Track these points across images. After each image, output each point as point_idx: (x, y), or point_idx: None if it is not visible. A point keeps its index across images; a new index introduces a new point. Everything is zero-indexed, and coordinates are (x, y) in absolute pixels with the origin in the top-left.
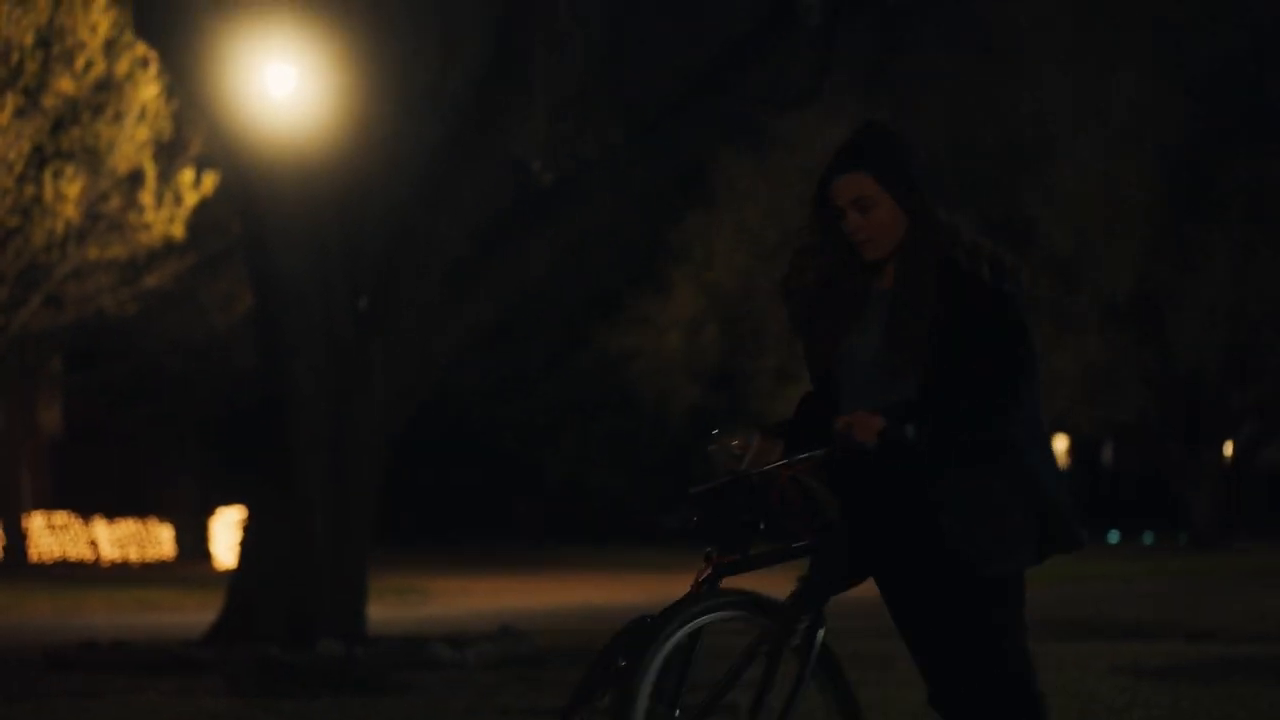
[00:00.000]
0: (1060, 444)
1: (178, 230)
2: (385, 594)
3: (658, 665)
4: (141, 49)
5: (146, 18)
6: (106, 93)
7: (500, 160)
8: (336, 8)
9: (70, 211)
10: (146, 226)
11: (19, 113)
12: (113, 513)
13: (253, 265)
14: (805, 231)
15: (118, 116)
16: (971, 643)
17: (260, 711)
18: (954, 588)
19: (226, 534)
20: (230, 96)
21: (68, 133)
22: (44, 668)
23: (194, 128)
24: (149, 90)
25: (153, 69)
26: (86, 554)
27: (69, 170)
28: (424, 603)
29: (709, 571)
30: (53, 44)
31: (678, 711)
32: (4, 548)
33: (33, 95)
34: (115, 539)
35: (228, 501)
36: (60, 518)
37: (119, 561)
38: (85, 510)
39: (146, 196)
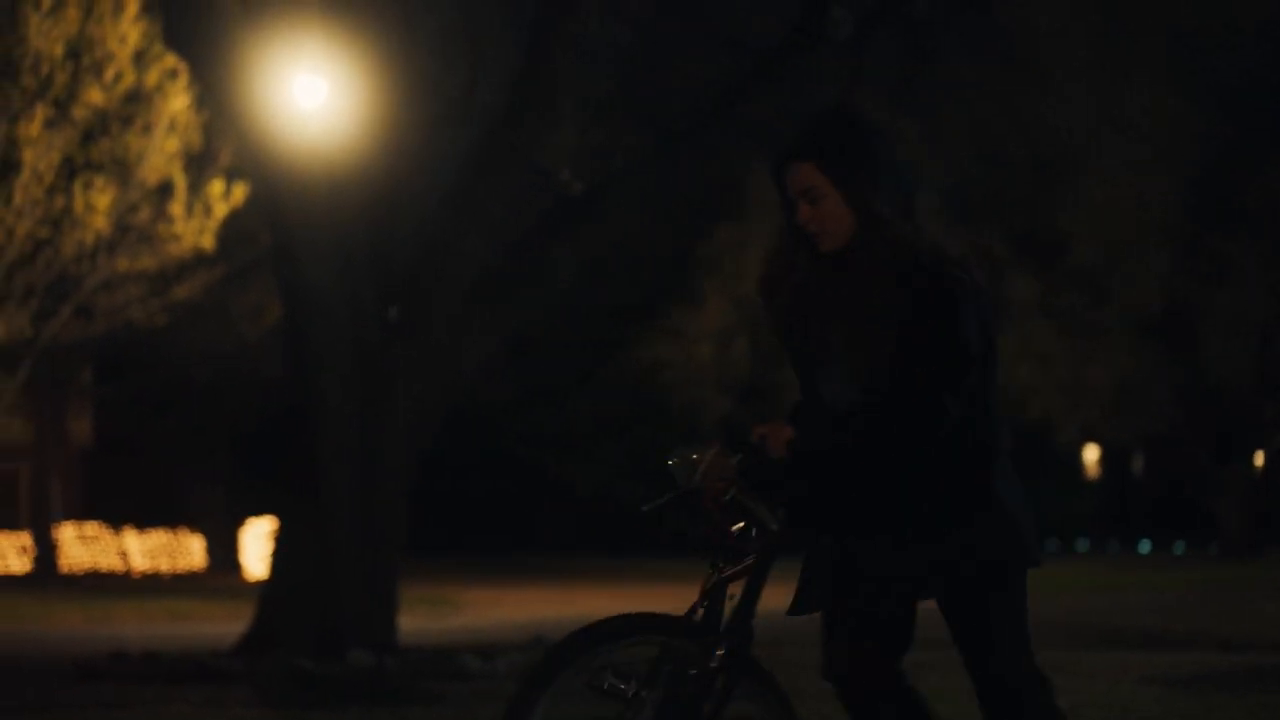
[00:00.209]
0: (1091, 455)
1: (207, 241)
2: (416, 604)
3: (547, 699)
4: (171, 60)
5: (176, 29)
6: (136, 104)
7: (529, 170)
8: (366, 19)
9: (100, 223)
10: (176, 238)
11: (49, 124)
12: (143, 523)
13: (281, 276)
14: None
15: (147, 128)
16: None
17: None
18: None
19: (256, 544)
20: (259, 107)
21: (97, 144)
22: (74, 678)
23: (223, 139)
24: (179, 101)
25: (182, 80)
26: (117, 564)
27: (99, 181)
28: (454, 613)
29: (714, 580)
30: (82, 55)
31: None
32: (35, 558)
33: (62, 106)
34: (145, 549)
35: (258, 512)
36: (90, 528)
37: (149, 572)
38: (115, 521)
39: (176, 208)
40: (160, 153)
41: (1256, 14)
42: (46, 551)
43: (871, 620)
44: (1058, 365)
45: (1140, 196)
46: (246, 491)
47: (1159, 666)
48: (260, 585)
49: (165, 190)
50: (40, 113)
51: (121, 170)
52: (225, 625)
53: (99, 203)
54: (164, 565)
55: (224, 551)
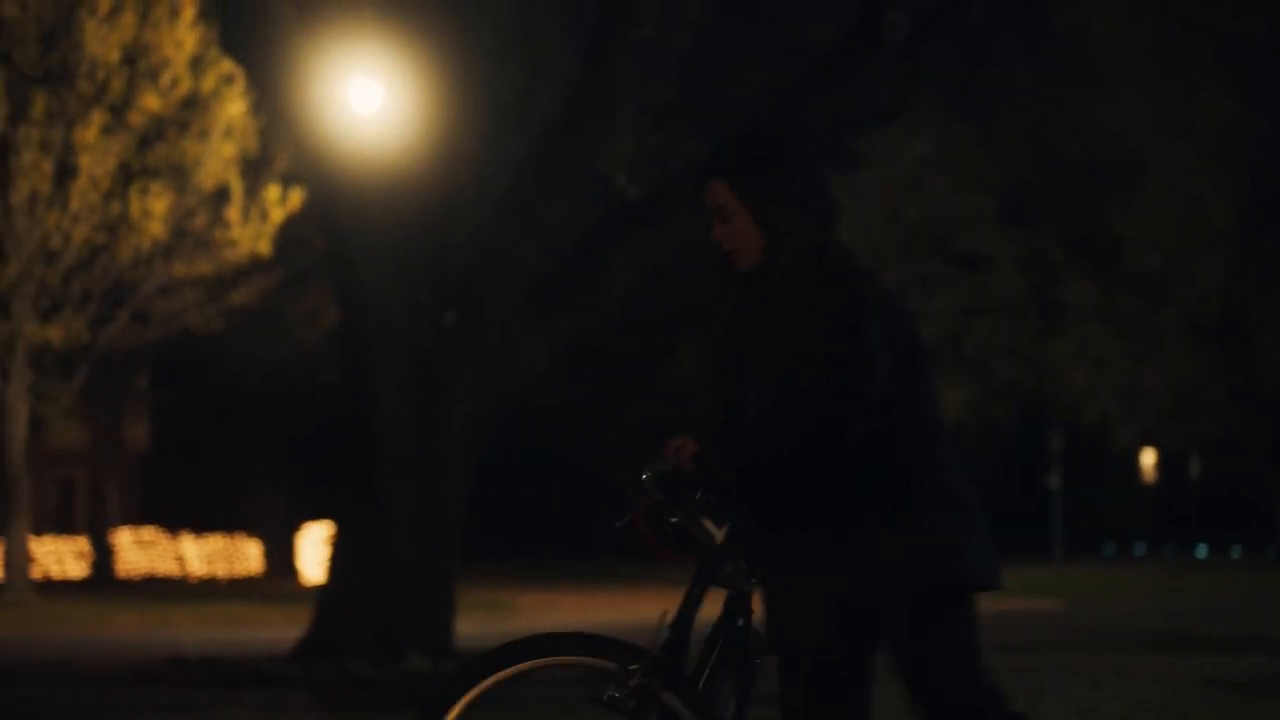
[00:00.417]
0: (1148, 459)
1: (264, 247)
2: (473, 609)
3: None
4: (227, 65)
5: (233, 34)
6: (193, 109)
7: (586, 176)
8: (422, 24)
9: (157, 228)
10: (233, 243)
11: (105, 130)
12: (199, 528)
13: (337, 282)
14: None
15: (204, 133)
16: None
17: None
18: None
19: (313, 549)
20: (316, 112)
21: (154, 149)
22: (131, 683)
23: (280, 144)
24: (235, 107)
25: (239, 85)
26: (173, 569)
27: (155, 187)
28: (510, 617)
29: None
30: (139, 61)
31: None
32: (92, 563)
33: (119, 113)
34: (202, 554)
35: (314, 517)
36: (147, 533)
37: (206, 577)
38: (172, 526)
39: (233, 213)
40: (217, 158)
41: None
42: (104, 556)
43: (821, 662)
44: (1114, 369)
45: (1196, 200)
46: (303, 496)
47: (1216, 670)
48: (317, 590)
49: (222, 195)
50: (97, 118)
51: (178, 176)
52: (282, 630)
53: (155, 208)
54: (221, 570)
55: (281, 556)
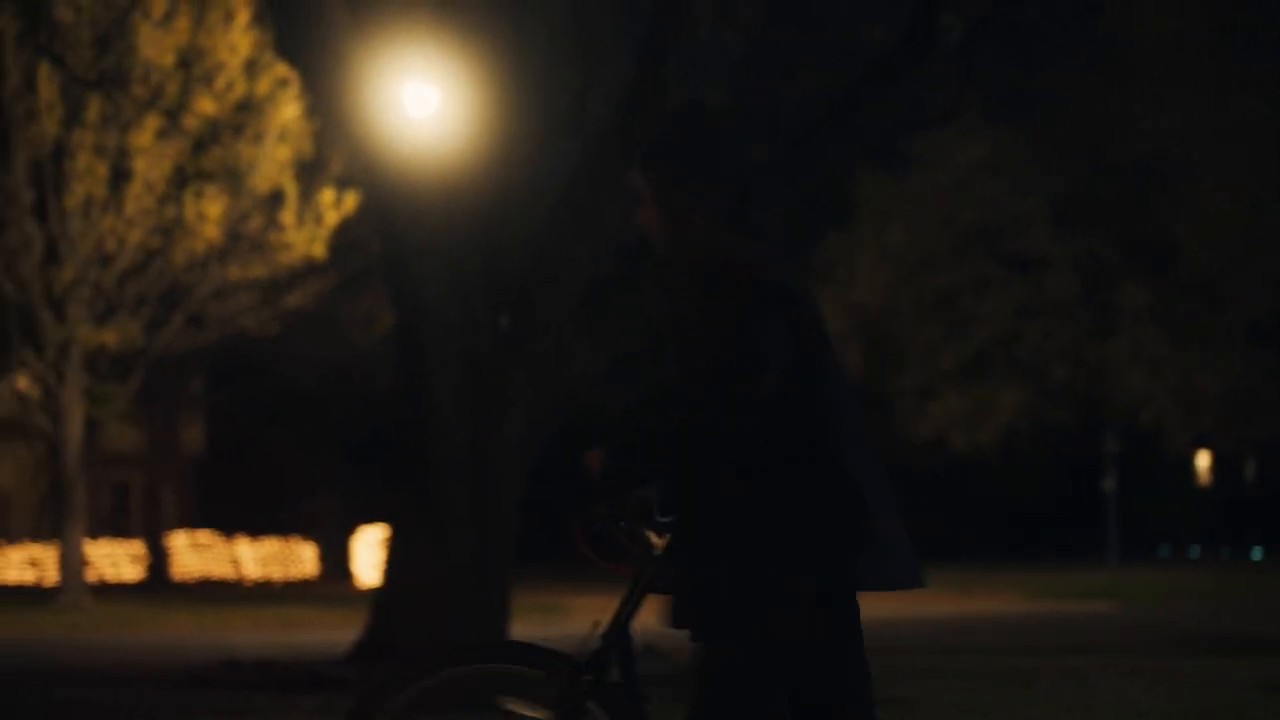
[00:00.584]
0: (1203, 461)
1: (318, 250)
2: (528, 612)
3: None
4: (282, 69)
5: (287, 38)
6: (247, 113)
7: None
8: (476, 28)
9: (211, 232)
10: (287, 246)
11: (160, 134)
12: (255, 531)
13: (392, 285)
14: None
15: (258, 137)
16: None
17: None
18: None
19: (368, 552)
20: (371, 116)
21: (208, 153)
22: (187, 686)
23: (334, 147)
24: (289, 110)
25: (293, 89)
26: (229, 572)
27: (210, 190)
28: (566, 620)
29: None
30: (193, 65)
31: None
32: (147, 566)
33: (174, 116)
34: (257, 557)
35: (370, 520)
36: (202, 536)
37: (261, 579)
38: (227, 528)
39: (287, 216)
40: (271, 161)
41: None
42: (159, 559)
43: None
44: (1169, 372)
45: (1251, 202)
46: (358, 499)
47: (1271, 673)
48: (373, 593)
49: (276, 199)
50: (151, 122)
51: (233, 179)
52: (338, 633)
53: (210, 212)
54: (276, 573)
55: (335, 559)
